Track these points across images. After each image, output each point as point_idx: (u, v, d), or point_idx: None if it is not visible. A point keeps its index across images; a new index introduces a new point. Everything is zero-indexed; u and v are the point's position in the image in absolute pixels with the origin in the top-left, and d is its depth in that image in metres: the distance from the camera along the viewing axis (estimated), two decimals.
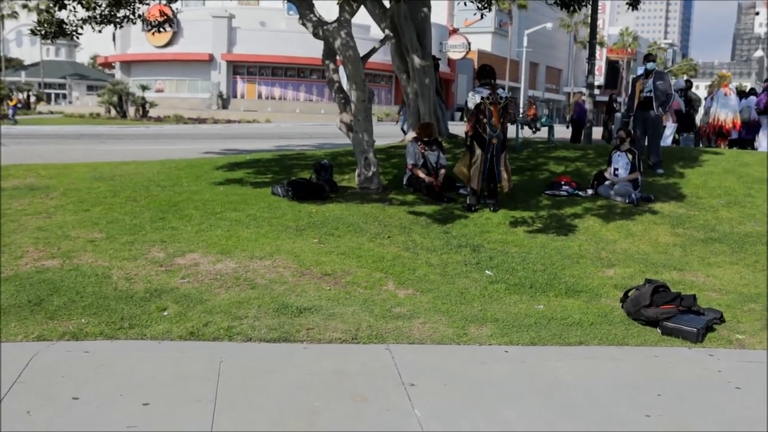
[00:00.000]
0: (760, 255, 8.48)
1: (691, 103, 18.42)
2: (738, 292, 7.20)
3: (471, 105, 9.79)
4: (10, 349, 5.01)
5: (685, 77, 24.45)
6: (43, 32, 11.55)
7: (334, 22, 10.55)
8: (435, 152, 10.79)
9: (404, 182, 10.92)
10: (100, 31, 12.21)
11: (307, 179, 10.58)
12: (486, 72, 10.01)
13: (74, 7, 11.17)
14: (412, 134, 17.15)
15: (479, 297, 6.68)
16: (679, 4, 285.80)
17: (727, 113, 16.78)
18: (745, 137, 17.22)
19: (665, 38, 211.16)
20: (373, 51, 11.49)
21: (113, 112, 47.81)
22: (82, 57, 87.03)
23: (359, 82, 10.61)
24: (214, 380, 4.63)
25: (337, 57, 10.97)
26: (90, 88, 75.23)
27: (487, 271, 7.42)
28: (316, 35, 10.80)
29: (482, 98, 9.67)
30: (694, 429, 4.28)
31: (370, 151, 10.77)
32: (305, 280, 6.83)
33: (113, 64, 66.13)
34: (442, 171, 10.64)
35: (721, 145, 16.76)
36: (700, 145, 17.78)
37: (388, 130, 21.87)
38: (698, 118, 18.85)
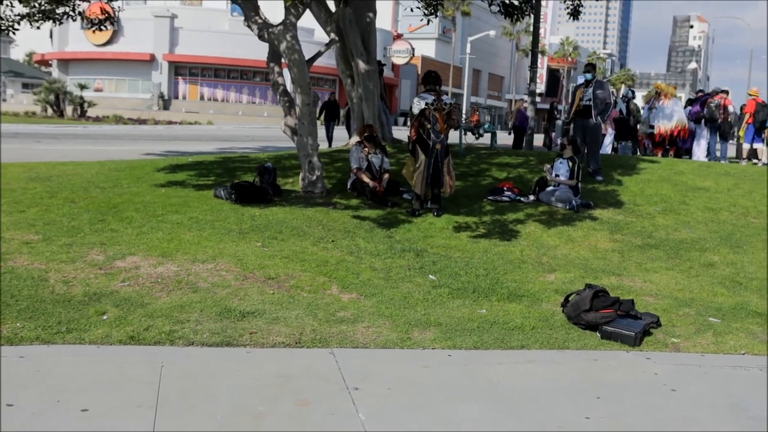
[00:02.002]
0: (693, 261, 8.73)
1: (632, 112, 18.88)
2: (673, 296, 7.40)
3: (416, 110, 9.85)
4: None
5: (623, 87, 24.99)
6: None
7: (280, 24, 10.51)
8: (379, 156, 10.82)
9: (348, 186, 10.93)
10: (38, 28, 11.92)
11: (251, 182, 10.50)
12: (431, 78, 10.08)
13: (11, 2, 10.87)
14: (356, 138, 17.18)
15: (423, 301, 6.71)
16: (617, 16, 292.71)
17: (666, 123, 17.24)
18: (681, 146, 17.74)
19: (604, 48, 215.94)
20: (319, 55, 11.47)
21: (50, 111, 46.59)
22: (17, 53, 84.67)
23: (304, 86, 10.58)
24: (156, 385, 4.55)
25: (282, 60, 10.92)
26: (25, 85, 73.12)
27: (430, 276, 7.47)
28: (261, 37, 10.74)
29: (427, 104, 9.73)
30: (632, 430, 4.37)
31: (314, 154, 10.74)
32: (248, 283, 6.77)
33: (50, 62, 64.53)
34: (386, 175, 10.68)
35: (657, 153, 17.21)
36: (638, 153, 18.23)
37: (333, 134, 21.86)
38: (639, 127, 19.33)
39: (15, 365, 4.76)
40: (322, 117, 22.43)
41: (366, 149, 10.80)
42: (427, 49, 73.09)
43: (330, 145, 20.45)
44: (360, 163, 10.72)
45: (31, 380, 4.53)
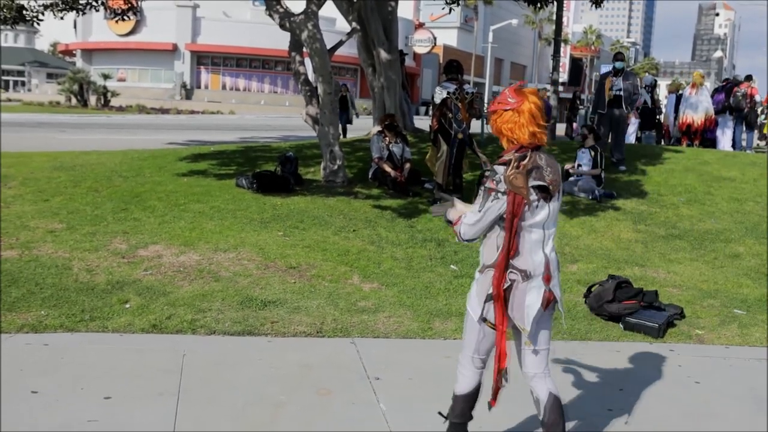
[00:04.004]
0: (718, 252, 8.63)
1: (656, 101, 18.65)
2: (698, 288, 7.32)
3: (437, 100, 9.80)
4: None
5: (647, 75, 24.75)
6: (2, 17, 11.30)
7: (301, 13, 10.48)
8: (400, 145, 10.78)
9: (370, 176, 10.91)
10: (62, 18, 11.99)
11: (272, 172, 10.51)
12: (453, 67, 10.02)
13: None
14: (377, 128, 17.15)
15: (444, 291, 6.69)
16: (641, 3, 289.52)
17: (692, 113, 16.99)
18: (707, 136, 17.49)
19: (628, 37, 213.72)
20: (340, 44, 11.43)
21: (74, 101, 46.94)
22: (42, 44, 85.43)
23: (326, 75, 10.56)
24: (177, 373, 4.58)
25: (304, 49, 10.90)
26: (50, 75, 73.91)
27: (452, 266, 7.44)
28: (282, 27, 10.72)
29: (449, 93, 9.68)
30: (655, 423, 4.34)
31: (335, 144, 10.73)
32: (270, 273, 6.78)
33: (74, 52, 64.96)
34: (408, 165, 10.65)
35: (683, 143, 16.99)
36: (662, 143, 18.03)
37: (354, 124, 21.82)
38: (662, 116, 19.10)
39: (39, 352, 4.82)
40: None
41: (387, 138, 10.77)
42: (449, 38, 72.74)
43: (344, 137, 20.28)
44: (381, 153, 10.69)
45: (55, 367, 4.58)
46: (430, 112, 10.61)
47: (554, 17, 20.94)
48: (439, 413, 3.77)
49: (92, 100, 46.77)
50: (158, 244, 7.38)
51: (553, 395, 3.54)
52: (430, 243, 8.13)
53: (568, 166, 11.19)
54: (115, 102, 46.52)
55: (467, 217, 3.40)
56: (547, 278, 3.38)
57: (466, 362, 3.66)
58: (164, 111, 43.65)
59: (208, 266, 6.82)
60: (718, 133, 17.27)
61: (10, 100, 51.92)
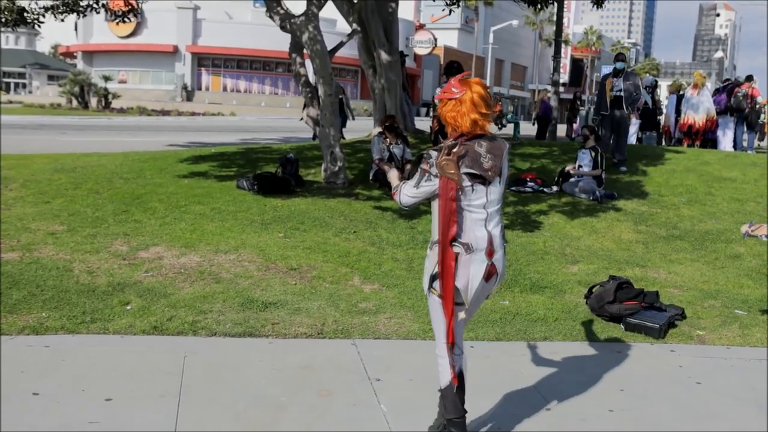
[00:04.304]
0: (719, 252, 8.63)
1: (657, 102, 18.65)
2: (698, 288, 7.32)
3: (438, 101, 9.81)
4: None
5: (648, 76, 24.73)
6: (3, 20, 11.32)
7: (302, 15, 10.49)
8: (400, 147, 10.79)
9: (370, 177, 10.91)
10: (62, 20, 12.00)
11: (273, 173, 10.52)
12: (454, 68, 10.03)
13: None
14: (378, 129, 17.15)
15: None
16: (642, 4, 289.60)
17: (693, 114, 16.98)
18: (708, 136, 17.49)
19: (629, 38, 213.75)
20: (341, 45, 11.44)
21: (75, 103, 46.97)
22: (43, 46, 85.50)
23: (326, 77, 10.57)
24: (178, 375, 4.58)
25: (304, 51, 10.91)
26: (51, 77, 73.96)
27: None
28: (283, 28, 10.73)
29: None
30: (656, 423, 4.33)
31: (336, 145, 10.74)
32: (270, 274, 6.78)
33: (75, 54, 65.02)
34: (408, 166, 10.65)
35: (685, 143, 16.98)
36: (663, 143, 18.03)
37: (354, 125, 21.83)
38: (662, 117, 19.09)
39: (40, 354, 4.82)
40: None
41: (388, 140, 10.78)
42: (449, 39, 72.77)
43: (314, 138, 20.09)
44: (382, 154, 10.69)
45: (56, 369, 4.58)
46: (431, 114, 10.61)
47: (555, 18, 20.98)
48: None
49: (93, 102, 46.80)
50: (159, 245, 7.39)
51: (462, 372, 3.74)
52: None
53: (569, 167, 11.19)
54: (116, 104, 46.56)
55: (406, 187, 3.69)
56: (490, 253, 3.59)
57: (443, 350, 3.71)
58: (165, 113, 43.68)
59: (208, 268, 6.83)
60: (719, 133, 17.27)
61: (11, 102, 51.96)
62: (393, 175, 3.95)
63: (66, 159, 12.61)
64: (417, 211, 9.44)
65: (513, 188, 10.90)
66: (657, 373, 5.17)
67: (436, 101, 9.92)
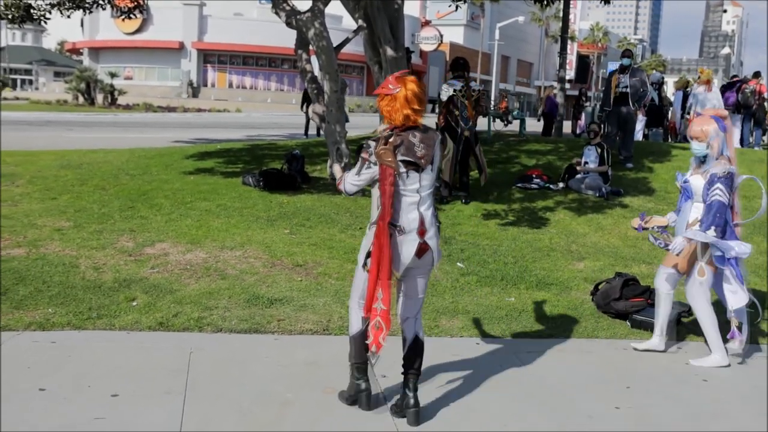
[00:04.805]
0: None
1: (663, 99, 18.58)
2: None
3: (444, 97, 9.79)
4: None
5: (654, 72, 24.61)
6: (9, 16, 11.32)
7: (308, 11, 10.47)
8: None
9: None
10: (68, 17, 12.01)
11: (279, 169, 10.52)
12: (459, 65, 10.00)
13: None
14: (383, 125, 17.13)
15: (451, 289, 6.68)
16: (649, 0, 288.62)
17: (706, 110, 16.87)
18: None
19: (635, 34, 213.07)
20: (347, 41, 11.42)
21: (81, 99, 47.08)
22: (49, 42, 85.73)
23: (332, 73, 10.55)
24: (184, 371, 4.58)
25: (310, 47, 10.89)
26: (57, 74, 74.16)
27: (458, 263, 7.43)
28: (289, 25, 10.71)
29: (455, 91, 9.67)
30: (662, 421, 4.32)
31: (342, 142, 10.72)
32: (276, 270, 6.79)
33: (81, 51, 65.10)
34: None
35: None
36: (669, 140, 17.97)
37: (359, 121, 21.83)
38: (669, 114, 19.03)
39: (46, 350, 4.83)
40: (305, 106, 19.74)
41: None
42: (455, 35, 72.64)
43: (305, 135, 20.02)
44: None
45: (63, 365, 4.59)
46: (437, 110, 10.60)
47: (561, 14, 20.92)
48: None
49: (99, 98, 46.91)
50: (165, 242, 7.40)
51: (417, 337, 4.18)
52: None
53: (575, 160, 11.16)
54: (122, 100, 46.65)
55: (350, 176, 4.08)
56: (422, 232, 3.99)
57: (354, 306, 4.21)
58: (171, 109, 43.71)
59: (214, 264, 6.83)
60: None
61: (17, 99, 52.12)
62: (337, 168, 4.44)
63: (72, 155, 12.63)
64: None
65: (519, 185, 10.88)
66: (663, 370, 5.16)
67: (442, 98, 9.88)
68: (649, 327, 5.91)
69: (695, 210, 5.28)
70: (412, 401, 4.05)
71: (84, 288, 6.04)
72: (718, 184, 5.11)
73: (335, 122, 10.71)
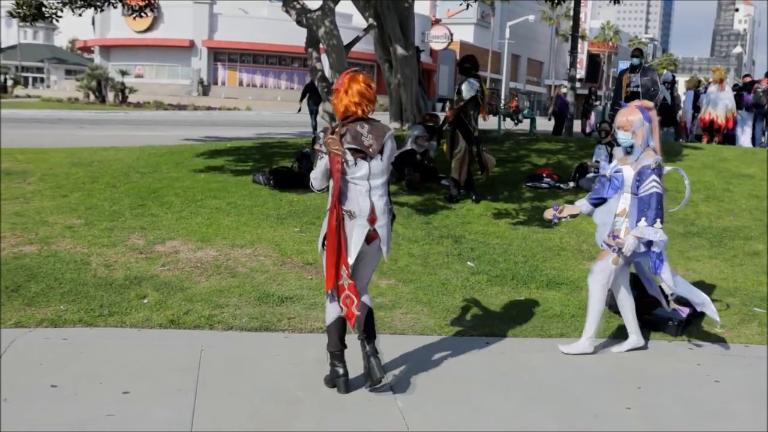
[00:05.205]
0: (738, 249, 8.55)
1: (674, 98, 18.50)
2: (717, 286, 7.26)
3: (467, 95, 9.72)
4: None
5: (665, 71, 24.47)
6: (21, 14, 11.38)
7: (318, 10, 10.50)
8: (432, 144, 10.73)
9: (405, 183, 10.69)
10: (80, 15, 12.06)
11: (289, 168, 10.52)
12: (474, 64, 9.95)
13: None
14: (395, 124, 17.13)
15: (461, 288, 6.68)
16: None
17: (711, 110, 16.78)
18: (726, 132, 17.32)
19: (646, 33, 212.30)
20: (357, 40, 11.45)
21: (92, 97, 47.24)
22: (61, 40, 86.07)
23: (342, 72, 10.55)
24: (195, 369, 4.59)
25: (321, 45, 10.92)
26: (68, 72, 74.45)
27: (468, 263, 7.42)
28: (299, 23, 10.74)
29: (476, 92, 9.66)
30: (674, 421, 4.30)
31: None
32: (286, 269, 6.79)
33: (92, 49, 65.39)
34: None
35: (704, 140, 16.82)
36: (681, 140, 17.89)
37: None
38: (680, 113, 18.93)
39: (58, 347, 4.85)
40: (305, 101, 20.10)
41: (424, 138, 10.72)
42: (465, 34, 72.52)
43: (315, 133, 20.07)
44: (423, 132, 10.56)
45: (74, 362, 4.61)
46: (449, 105, 10.57)
47: (571, 13, 20.86)
48: None
49: (110, 96, 47.05)
50: (175, 239, 7.42)
51: (365, 304, 4.39)
52: (446, 239, 8.12)
53: (589, 163, 11.13)
54: (132, 98, 46.78)
55: (312, 172, 4.37)
56: (372, 220, 4.28)
57: (328, 297, 4.41)
58: (181, 107, 43.81)
59: (225, 262, 6.85)
60: (738, 130, 17.11)
61: (29, 96, 52.37)
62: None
63: (83, 153, 12.68)
64: (433, 206, 9.44)
65: (529, 184, 10.86)
66: (674, 370, 5.14)
67: (464, 96, 9.79)
68: (660, 327, 5.90)
69: (623, 200, 5.27)
70: (376, 369, 4.30)
71: (95, 285, 6.07)
72: (653, 176, 5.10)
73: None
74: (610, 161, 10.70)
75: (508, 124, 17.85)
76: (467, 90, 9.69)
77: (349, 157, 4.19)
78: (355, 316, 4.28)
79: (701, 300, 5.39)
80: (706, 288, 7.15)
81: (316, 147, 4.29)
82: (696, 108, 17.57)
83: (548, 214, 5.66)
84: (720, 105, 16.56)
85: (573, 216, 5.60)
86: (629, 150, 5.27)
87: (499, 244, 8.15)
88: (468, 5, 16.64)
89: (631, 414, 4.35)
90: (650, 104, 5.48)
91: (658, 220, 5.07)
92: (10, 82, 62.79)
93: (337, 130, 4.23)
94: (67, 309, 5.52)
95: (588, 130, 22.69)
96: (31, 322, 5.25)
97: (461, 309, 6.12)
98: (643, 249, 5.18)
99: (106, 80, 47.33)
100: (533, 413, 4.29)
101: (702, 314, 6.27)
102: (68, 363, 4.58)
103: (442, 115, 11.56)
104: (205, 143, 16.09)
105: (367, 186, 4.26)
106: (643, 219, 5.08)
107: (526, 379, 4.82)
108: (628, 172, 5.22)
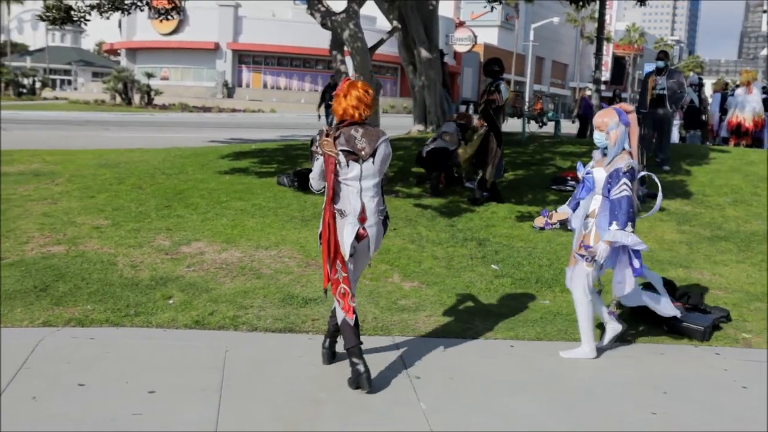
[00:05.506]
0: (765, 254, 8.44)
1: (702, 101, 18.32)
2: (744, 290, 7.18)
3: (505, 97, 9.75)
4: (16, 335, 5.02)
5: (692, 74, 24.23)
6: (51, 18, 11.52)
7: (343, 12, 10.52)
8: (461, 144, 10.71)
9: (422, 154, 10.64)
10: (107, 18, 12.18)
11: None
12: (503, 67, 9.93)
13: None
14: (418, 126, 17.13)
15: (485, 291, 6.66)
16: (686, 0, 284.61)
17: (738, 113, 16.58)
18: (755, 136, 17.11)
19: (672, 35, 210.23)
20: (381, 42, 11.45)
21: (118, 99, 47.75)
22: (88, 43, 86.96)
23: (366, 74, 10.57)
24: (220, 369, 4.62)
25: (345, 48, 10.94)
26: (95, 74, 75.15)
27: (492, 265, 7.40)
28: (324, 25, 10.77)
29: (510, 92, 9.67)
30: (700, 427, 4.26)
31: None
32: (311, 270, 6.81)
33: (119, 51, 65.95)
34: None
35: (732, 143, 16.62)
36: (708, 143, 17.71)
37: (393, 122, 21.83)
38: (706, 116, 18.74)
39: (85, 346, 4.90)
40: (323, 106, 18.47)
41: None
42: (489, 36, 72.31)
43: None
44: (453, 131, 10.54)
45: (101, 361, 4.66)
46: (470, 110, 10.55)
47: (596, 15, 20.75)
48: None
49: (136, 98, 47.52)
50: (201, 240, 7.47)
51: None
52: (470, 242, 8.10)
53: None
54: (158, 100, 47.21)
55: (311, 173, 4.61)
56: (362, 219, 4.49)
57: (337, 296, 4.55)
58: (206, 109, 44.13)
59: (249, 263, 6.88)
60: (766, 133, 16.90)
61: (57, 99, 53.02)
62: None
63: (110, 154, 12.81)
64: (457, 209, 9.42)
65: (554, 187, 10.80)
66: (701, 376, 5.09)
67: (503, 97, 9.75)
68: (686, 332, 5.84)
69: (594, 201, 5.24)
70: (361, 368, 4.40)
71: (122, 285, 6.13)
72: (624, 179, 5.09)
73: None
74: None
75: (533, 126, 17.74)
76: (505, 92, 9.69)
77: (342, 158, 4.41)
78: (351, 308, 4.45)
79: (659, 305, 5.41)
80: (734, 293, 7.08)
81: (312, 149, 4.53)
82: (723, 111, 17.37)
83: (539, 221, 5.65)
84: (747, 108, 16.34)
85: (562, 222, 5.58)
86: (605, 151, 5.28)
87: (523, 247, 8.11)
88: (492, 7, 16.60)
89: (656, 419, 4.31)
90: (630, 107, 5.48)
91: (630, 223, 5.06)
92: (38, 85, 63.66)
93: (331, 132, 4.47)
94: (94, 309, 5.58)
95: None
96: (59, 321, 5.31)
97: (485, 312, 6.10)
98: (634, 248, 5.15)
99: (132, 82, 47.82)
100: (558, 417, 4.27)
101: (729, 320, 6.22)
102: (95, 362, 4.63)
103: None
104: (229, 145, 16.18)
105: (358, 187, 4.47)
106: (615, 223, 5.09)
107: (551, 382, 4.80)
108: (600, 174, 5.24)
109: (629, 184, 5.09)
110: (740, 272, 7.79)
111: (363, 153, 4.45)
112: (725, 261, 8.15)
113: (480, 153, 9.76)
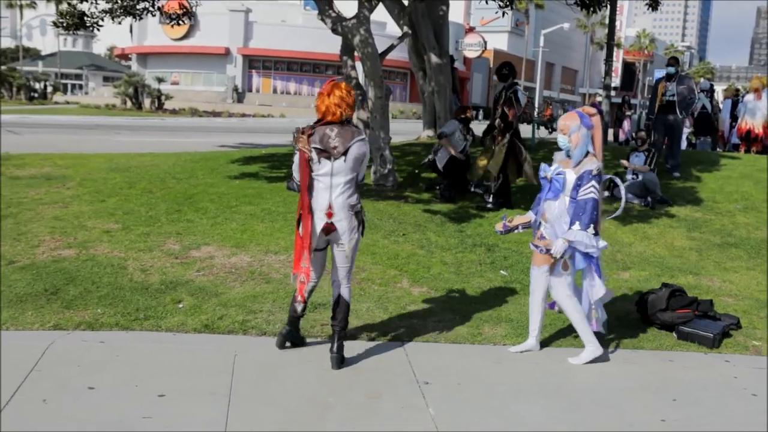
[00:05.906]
0: None
1: (713, 107, 18.26)
2: (754, 297, 7.15)
3: (523, 104, 9.82)
4: (27, 338, 5.05)
5: (702, 80, 24.12)
6: (64, 24, 11.58)
7: (353, 18, 10.54)
8: (468, 141, 10.70)
9: (431, 156, 10.64)
10: (119, 23, 12.24)
11: None
12: (515, 72, 9.93)
13: (96, 0, 11.22)
14: (428, 131, 17.14)
15: (494, 297, 6.66)
16: (697, 6, 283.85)
17: (749, 119, 16.50)
18: (765, 142, 17.04)
19: (683, 41, 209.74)
20: (391, 48, 11.46)
21: (129, 104, 48.00)
22: (99, 48, 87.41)
23: (377, 79, 10.60)
24: (229, 373, 4.64)
25: (355, 53, 10.96)
26: (106, 79, 75.53)
27: (501, 271, 7.40)
28: (334, 31, 10.79)
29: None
30: None
31: (386, 148, 10.75)
32: None
33: (129, 56, 66.29)
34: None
35: (742, 149, 16.55)
36: (718, 150, 17.65)
37: (403, 127, 21.85)
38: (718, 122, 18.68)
39: (95, 350, 4.93)
40: None
41: (462, 127, 10.70)
42: (499, 42, 72.38)
43: None
44: (453, 131, 10.53)
45: (111, 364, 4.68)
46: (480, 116, 10.56)
47: (607, 21, 20.68)
48: None
49: (147, 103, 47.74)
50: (210, 245, 7.49)
51: (343, 298, 4.96)
52: (479, 248, 8.10)
53: (625, 163, 11.06)
54: (168, 105, 47.40)
55: (292, 166, 4.88)
56: (329, 214, 4.77)
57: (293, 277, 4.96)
58: (216, 114, 44.27)
59: (259, 268, 6.90)
60: None
61: (68, 103, 53.31)
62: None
63: (120, 159, 12.87)
64: (466, 215, 9.42)
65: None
66: (711, 383, 5.07)
67: (522, 102, 9.79)
68: (696, 339, 5.83)
69: (561, 203, 5.24)
70: (335, 348, 4.84)
71: (132, 289, 6.15)
72: (593, 182, 5.14)
73: (379, 128, 10.74)
74: (646, 164, 10.64)
75: (542, 132, 17.74)
76: (523, 98, 9.77)
77: (314, 155, 4.71)
78: (303, 296, 4.94)
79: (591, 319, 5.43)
80: (744, 300, 7.06)
81: (292, 142, 4.82)
82: (734, 117, 17.31)
83: (498, 226, 5.68)
84: (758, 114, 16.27)
85: (525, 226, 5.61)
86: (569, 154, 5.30)
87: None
88: (503, 13, 16.56)
89: (666, 426, 4.30)
90: (592, 110, 5.50)
91: (592, 225, 5.08)
92: (50, 89, 64.04)
93: (306, 130, 4.76)
94: (104, 312, 5.61)
95: (622, 137, 22.48)
96: (69, 324, 5.34)
97: (494, 318, 6.10)
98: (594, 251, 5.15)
99: (143, 87, 48.05)
100: (566, 423, 4.26)
101: (739, 327, 6.20)
102: (105, 365, 4.66)
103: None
104: (239, 150, 16.23)
105: (328, 182, 4.75)
106: (577, 223, 5.12)
107: (560, 388, 4.79)
108: (570, 176, 5.24)
109: (597, 186, 5.16)
110: (750, 279, 7.76)
111: (335, 151, 4.71)
112: (735, 268, 8.13)
113: (506, 161, 9.80)
